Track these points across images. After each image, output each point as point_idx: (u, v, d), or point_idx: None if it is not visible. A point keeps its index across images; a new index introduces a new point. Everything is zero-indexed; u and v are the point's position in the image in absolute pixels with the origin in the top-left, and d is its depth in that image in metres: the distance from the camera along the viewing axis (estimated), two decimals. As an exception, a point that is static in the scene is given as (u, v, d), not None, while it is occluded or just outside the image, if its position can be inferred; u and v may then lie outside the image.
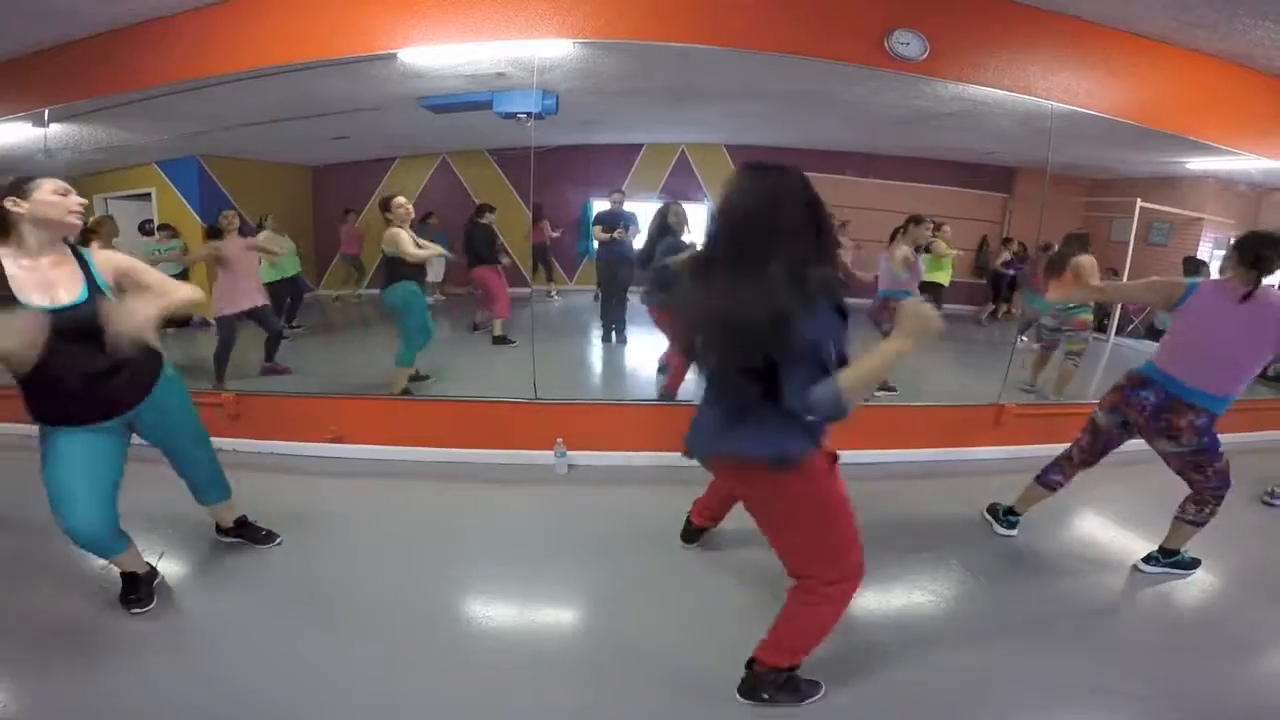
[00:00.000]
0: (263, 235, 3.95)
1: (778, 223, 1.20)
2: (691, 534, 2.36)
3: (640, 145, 4.77)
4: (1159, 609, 2.20)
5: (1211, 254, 4.49)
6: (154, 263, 2.75)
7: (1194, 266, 4.22)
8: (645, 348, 4.31)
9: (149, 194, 4.10)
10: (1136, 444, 2.31)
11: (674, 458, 2.31)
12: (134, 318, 1.50)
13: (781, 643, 1.59)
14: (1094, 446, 2.40)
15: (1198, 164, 4.04)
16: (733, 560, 2.32)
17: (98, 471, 1.68)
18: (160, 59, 2.93)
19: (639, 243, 3.97)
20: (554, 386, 3.19)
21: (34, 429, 1.66)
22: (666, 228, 3.43)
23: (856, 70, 2.90)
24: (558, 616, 2.08)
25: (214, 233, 3.60)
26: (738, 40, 2.77)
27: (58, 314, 1.49)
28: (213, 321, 3.64)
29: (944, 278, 4.25)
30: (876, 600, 2.14)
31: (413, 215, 3.43)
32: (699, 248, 1.37)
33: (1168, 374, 2.12)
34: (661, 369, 3.67)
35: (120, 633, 1.84)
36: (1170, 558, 2.33)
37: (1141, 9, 2.82)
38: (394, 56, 2.83)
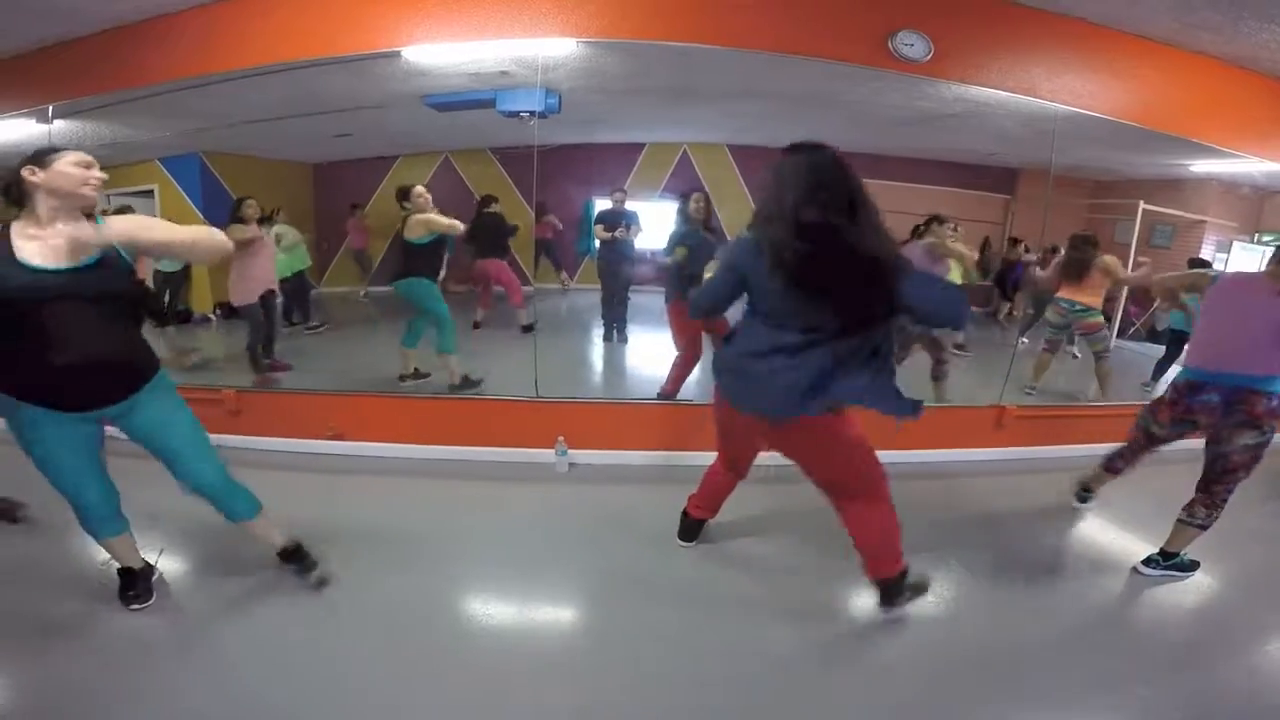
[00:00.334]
0: (278, 228, 3.96)
1: (861, 187, 1.56)
2: (691, 530, 2.35)
3: (642, 144, 4.77)
4: (1159, 609, 2.20)
5: (1214, 256, 4.50)
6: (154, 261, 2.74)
7: (1199, 267, 4.22)
8: (647, 347, 4.32)
9: (151, 190, 4.10)
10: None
11: (675, 456, 2.32)
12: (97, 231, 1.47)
13: (879, 553, 1.89)
14: (1147, 449, 2.49)
15: (1201, 166, 4.03)
16: (730, 556, 2.32)
17: (90, 450, 1.69)
18: (165, 56, 2.93)
19: (639, 241, 3.98)
20: (555, 385, 3.19)
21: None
22: (687, 219, 3.35)
23: (860, 71, 2.89)
24: (558, 615, 2.09)
25: (233, 218, 3.56)
26: (741, 40, 2.77)
27: (53, 274, 1.46)
28: (231, 307, 3.76)
29: (959, 276, 4.25)
30: (876, 600, 2.13)
31: (430, 204, 3.46)
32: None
33: (1220, 371, 2.13)
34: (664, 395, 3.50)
35: (119, 630, 1.84)
36: (1170, 560, 2.33)
37: (1146, 11, 2.82)
38: (398, 54, 2.83)
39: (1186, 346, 4.29)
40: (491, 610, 2.06)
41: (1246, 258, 4.68)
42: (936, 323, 1.64)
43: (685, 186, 4.34)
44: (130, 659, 1.72)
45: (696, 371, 3.35)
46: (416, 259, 3.45)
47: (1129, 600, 2.25)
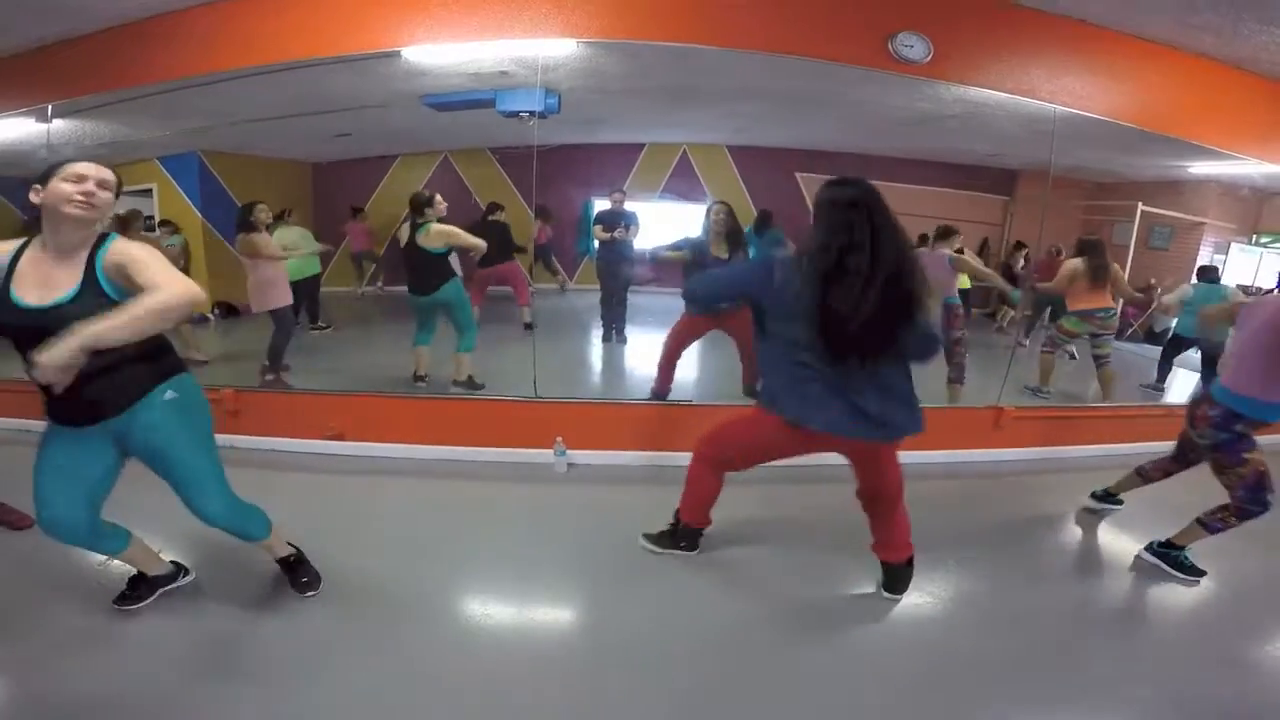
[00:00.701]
0: (295, 230, 3.95)
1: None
2: (695, 540, 2.35)
3: (642, 145, 4.78)
4: (1158, 610, 2.21)
5: (1213, 258, 4.50)
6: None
7: (1204, 273, 4.21)
8: (646, 347, 4.31)
9: (150, 190, 4.10)
10: (1136, 447, 2.32)
11: (675, 457, 2.32)
12: (50, 355, 1.25)
13: (908, 537, 2.14)
14: None
15: (1200, 168, 4.04)
16: (728, 557, 2.33)
17: (73, 471, 1.57)
18: (165, 55, 2.92)
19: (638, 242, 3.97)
20: (554, 385, 3.19)
21: (31, 423, 1.62)
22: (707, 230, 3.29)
23: (860, 72, 2.89)
24: (556, 615, 2.08)
25: (246, 225, 3.53)
26: (741, 41, 2.77)
27: (38, 313, 1.38)
28: (230, 307, 3.83)
29: (965, 282, 4.27)
30: (875, 601, 2.14)
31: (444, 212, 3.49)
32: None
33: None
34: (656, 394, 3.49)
35: (119, 629, 1.83)
36: (1168, 550, 2.33)
37: (1146, 13, 2.82)
38: (398, 54, 2.83)
39: (1187, 350, 4.30)
40: (490, 610, 2.06)
41: (1245, 259, 4.69)
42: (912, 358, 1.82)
43: (685, 187, 4.34)
44: (129, 659, 1.72)
45: (695, 372, 3.36)
46: (443, 266, 3.48)
47: (1128, 601, 2.25)
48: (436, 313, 3.63)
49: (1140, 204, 4.38)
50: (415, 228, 3.42)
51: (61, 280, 1.42)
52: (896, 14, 2.83)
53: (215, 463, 1.72)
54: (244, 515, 1.81)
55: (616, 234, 4.14)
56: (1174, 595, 2.26)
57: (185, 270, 4.16)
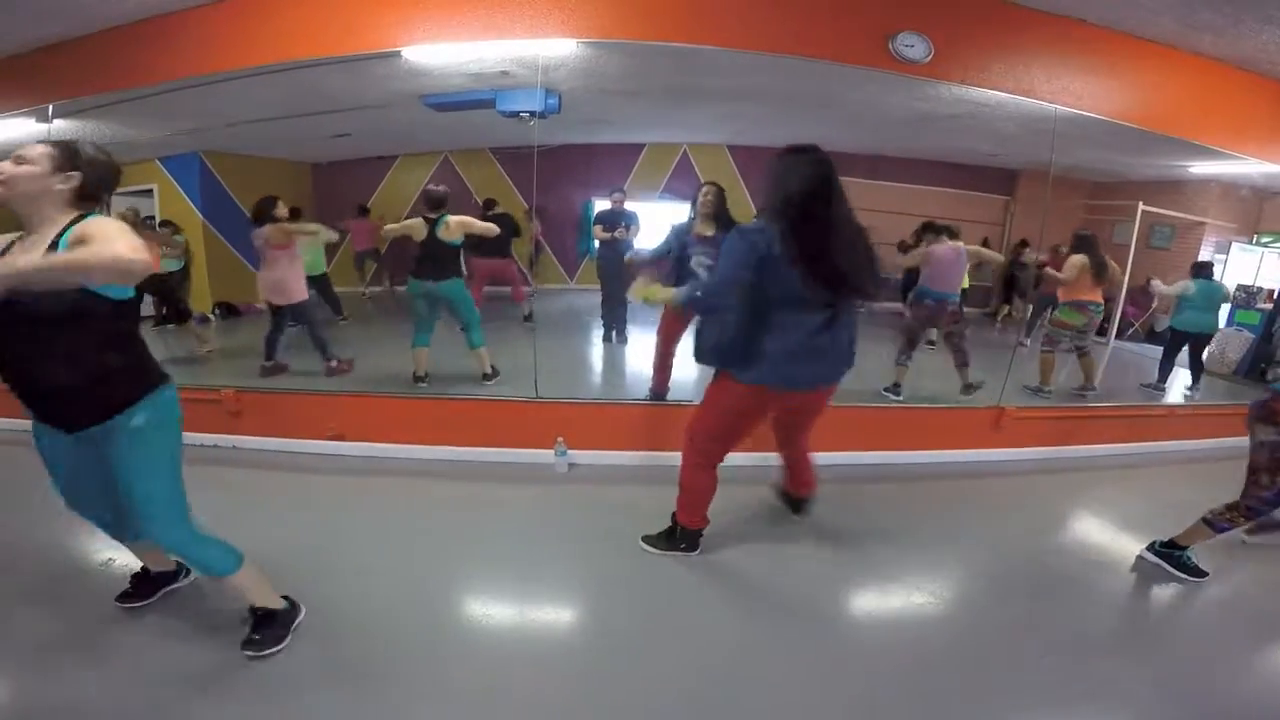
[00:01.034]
0: (312, 226, 3.95)
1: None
2: (694, 541, 2.35)
3: (642, 145, 4.78)
4: (1158, 611, 2.20)
5: (1213, 257, 4.51)
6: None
7: (1200, 269, 4.22)
8: (646, 347, 4.31)
9: (151, 190, 4.11)
10: (1138, 447, 2.31)
11: (674, 457, 2.32)
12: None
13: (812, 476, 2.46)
14: None
15: (1200, 168, 4.05)
16: (728, 557, 2.32)
17: (70, 470, 1.59)
18: (166, 55, 2.92)
19: (638, 242, 3.97)
20: (555, 385, 3.19)
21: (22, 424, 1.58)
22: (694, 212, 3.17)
23: (860, 72, 2.89)
24: (557, 615, 2.08)
25: (269, 217, 3.53)
26: (741, 41, 2.77)
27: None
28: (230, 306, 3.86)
29: (965, 281, 4.29)
30: (875, 601, 2.14)
31: None
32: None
33: None
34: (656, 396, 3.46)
35: (115, 630, 1.83)
36: (1170, 550, 2.33)
37: (1146, 13, 2.82)
38: (398, 54, 2.83)
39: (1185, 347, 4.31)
40: (491, 610, 2.06)
41: (1245, 259, 4.70)
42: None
43: (685, 187, 4.34)
44: (128, 659, 1.72)
45: (694, 372, 3.35)
46: (456, 260, 3.57)
47: (1128, 602, 2.25)
48: (437, 309, 3.64)
49: (1141, 204, 4.39)
50: (434, 223, 3.46)
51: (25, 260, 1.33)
52: (897, 14, 2.82)
53: (173, 489, 1.59)
54: (200, 546, 1.65)
55: (616, 234, 4.14)
56: (1174, 595, 2.25)
57: (186, 270, 4.17)
